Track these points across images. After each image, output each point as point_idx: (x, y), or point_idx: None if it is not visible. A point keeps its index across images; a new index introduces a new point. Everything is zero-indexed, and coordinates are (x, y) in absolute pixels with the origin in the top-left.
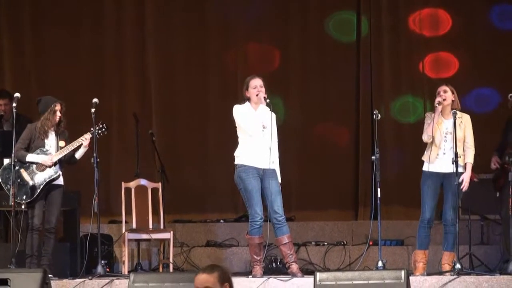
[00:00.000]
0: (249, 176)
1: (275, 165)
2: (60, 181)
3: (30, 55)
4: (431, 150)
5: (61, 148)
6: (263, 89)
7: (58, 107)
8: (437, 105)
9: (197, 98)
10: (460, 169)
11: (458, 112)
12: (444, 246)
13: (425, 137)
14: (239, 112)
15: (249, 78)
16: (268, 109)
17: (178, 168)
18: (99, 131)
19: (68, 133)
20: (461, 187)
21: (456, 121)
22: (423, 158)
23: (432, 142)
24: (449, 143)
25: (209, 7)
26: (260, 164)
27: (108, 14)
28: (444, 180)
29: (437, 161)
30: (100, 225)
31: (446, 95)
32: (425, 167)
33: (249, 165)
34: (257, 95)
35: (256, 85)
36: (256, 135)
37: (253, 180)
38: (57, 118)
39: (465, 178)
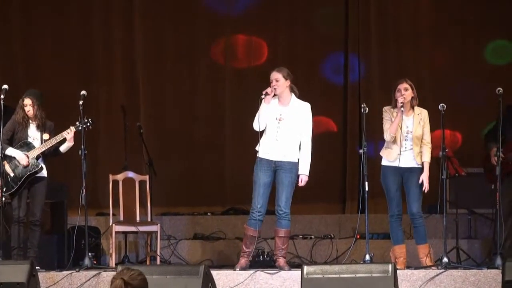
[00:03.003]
0: (257, 168)
1: (301, 157)
2: (44, 173)
3: (18, 46)
4: (391, 149)
5: (45, 140)
6: (278, 83)
7: (26, 101)
8: (402, 109)
9: (185, 91)
10: (415, 165)
11: (418, 109)
12: (416, 240)
13: (388, 137)
14: (260, 106)
15: (270, 70)
16: (298, 101)
17: (166, 161)
18: (84, 126)
19: (53, 125)
20: (423, 188)
21: (415, 118)
22: (382, 154)
23: (393, 140)
24: (409, 141)
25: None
26: (272, 156)
27: (96, 6)
28: (405, 174)
29: (397, 157)
30: (87, 217)
31: (407, 93)
32: (385, 162)
33: (262, 157)
34: (275, 88)
35: (271, 79)
36: (268, 129)
37: (261, 173)
38: (29, 113)
39: (425, 178)
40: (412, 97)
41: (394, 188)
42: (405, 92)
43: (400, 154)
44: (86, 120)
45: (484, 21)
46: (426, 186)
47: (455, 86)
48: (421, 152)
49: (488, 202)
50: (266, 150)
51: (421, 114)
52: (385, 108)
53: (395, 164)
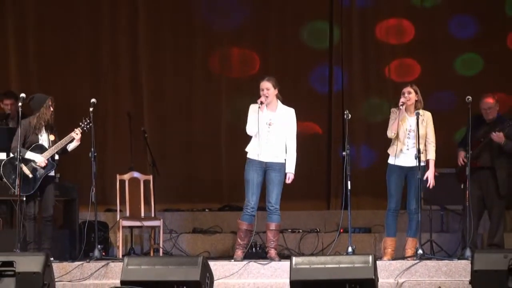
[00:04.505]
0: (250, 168)
1: (288, 157)
2: (52, 172)
3: (34, 58)
4: (396, 145)
5: (52, 142)
6: (269, 91)
7: (51, 102)
8: (400, 106)
9: (185, 98)
10: (422, 163)
11: (421, 111)
12: (408, 233)
13: (389, 133)
14: (249, 112)
15: (260, 79)
16: (284, 107)
17: (168, 162)
18: (88, 126)
19: (55, 127)
20: (428, 184)
21: (419, 119)
22: (388, 151)
23: (397, 138)
24: (411, 139)
25: (196, 15)
26: (264, 157)
27: (104, 22)
28: (408, 173)
29: (402, 156)
30: (97, 213)
31: (410, 96)
32: (391, 161)
33: (253, 158)
34: (267, 97)
35: (262, 88)
36: (260, 133)
37: (253, 172)
38: (50, 113)
39: (430, 175)
40: (416, 100)
41: (394, 185)
42: (408, 95)
43: (403, 152)
44: (88, 121)
45: (455, 36)
46: (431, 183)
47: (429, 95)
48: (425, 150)
49: (458, 199)
50: (257, 152)
51: (424, 116)
52: (393, 109)
53: (400, 163)
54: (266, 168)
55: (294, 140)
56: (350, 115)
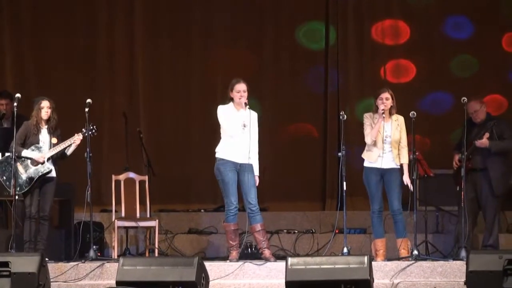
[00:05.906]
0: (226, 169)
1: (253, 160)
2: (53, 174)
3: (30, 58)
4: (372, 151)
5: (53, 144)
6: (246, 94)
7: (44, 104)
8: (383, 114)
9: (181, 99)
10: (395, 166)
11: (395, 116)
12: (397, 234)
13: (369, 141)
14: (222, 113)
15: (234, 81)
16: (251, 110)
17: (163, 163)
18: (90, 132)
19: (60, 131)
20: (409, 187)
21: (393, 123)
22: (363, 156)
23: (374, 144)
24: (387, 144)
25: (192, 16)
26: (237, 159)
27: (100, 22)
28: (385, 175)
29: (378, 159)
30: (92, 213)
31: (388, 102)
32: (367, 164)
33: (227, 159)
34: (239, 98)
35: (239, 89)
36: (236, 134)
37: (230, 173)
38: (44, 114)
39: (406, 179)
40: (392, 106)
41: (375, 186)
42: (386, 101)
43: (380, 156)
44: (92, 127)
45: (451, 38)
46: (410, 186)
47: (424, 96)
48: (399, 154)
49: (453, 200)
50: (234, 152)
51: (398, 120)
52: (366, 115)
53: (376, 165)
54: (238, 169)
55: (257, 143)
56: (345, 115)
